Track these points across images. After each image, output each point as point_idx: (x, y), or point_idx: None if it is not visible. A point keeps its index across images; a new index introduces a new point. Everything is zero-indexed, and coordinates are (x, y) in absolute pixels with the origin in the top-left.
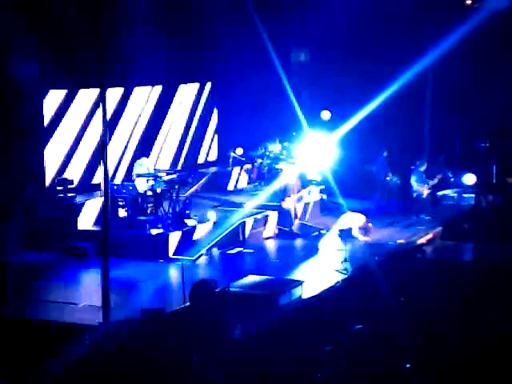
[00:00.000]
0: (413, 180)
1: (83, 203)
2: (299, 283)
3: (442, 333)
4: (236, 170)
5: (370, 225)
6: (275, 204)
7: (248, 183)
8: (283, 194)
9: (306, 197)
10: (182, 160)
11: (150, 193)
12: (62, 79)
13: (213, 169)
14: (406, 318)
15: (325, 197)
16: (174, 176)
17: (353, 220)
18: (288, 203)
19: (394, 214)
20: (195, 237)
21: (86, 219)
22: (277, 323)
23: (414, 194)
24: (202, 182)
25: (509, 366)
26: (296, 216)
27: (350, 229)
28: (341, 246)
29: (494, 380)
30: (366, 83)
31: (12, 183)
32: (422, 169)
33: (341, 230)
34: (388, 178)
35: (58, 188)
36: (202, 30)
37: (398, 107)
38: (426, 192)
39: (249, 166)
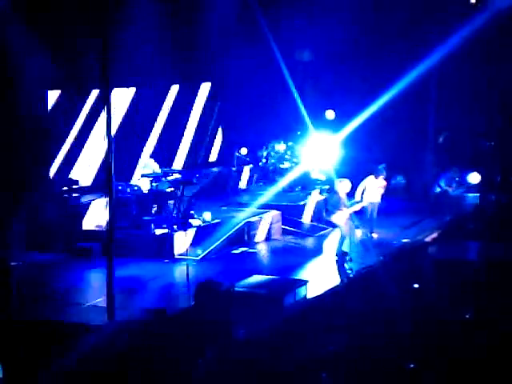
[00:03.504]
0: (442, 182)
1: (88, 204)
2: (304, 283)
3: (445, 332)
4: (240, 169)
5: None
6: (280, 204)
7: (253, 183)
8: (333, 207)
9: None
10: (186, 160)
11: (153, 193)
12: (64, 80)
13: (217, 169)
14: (410, 318)
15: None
16: (179, 176)
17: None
18: (339, 218)
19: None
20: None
21: (91, 220)
22: (281, 323)
23: (437, 189)
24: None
25: (509, 365)
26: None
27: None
28: (346, 245)
29: (495, 379)
30: (371, 83)
31: (15, 185)
32: (456, 176)
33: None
34: None
35: (63, 189)
36: (206, 30)
37: (403, 107)
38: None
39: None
